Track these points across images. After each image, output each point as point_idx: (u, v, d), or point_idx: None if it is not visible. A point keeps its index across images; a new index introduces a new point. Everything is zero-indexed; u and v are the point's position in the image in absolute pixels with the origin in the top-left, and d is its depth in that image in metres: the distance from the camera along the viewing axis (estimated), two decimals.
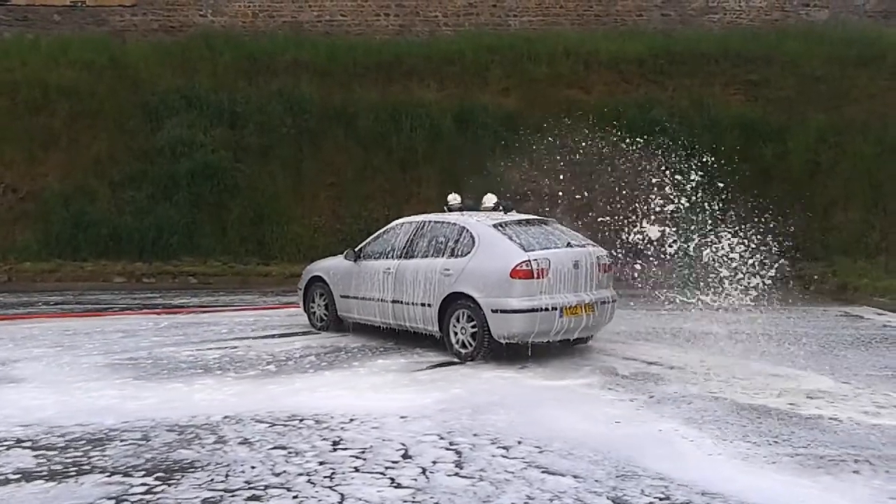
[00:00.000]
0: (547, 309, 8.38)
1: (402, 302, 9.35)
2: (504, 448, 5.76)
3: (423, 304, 9.08)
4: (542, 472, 5.26)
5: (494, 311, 8.39)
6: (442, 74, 20.15)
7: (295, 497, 4.83)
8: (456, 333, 8.80)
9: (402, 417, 6.55)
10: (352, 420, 6.54)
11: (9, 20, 21.91)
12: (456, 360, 8.73)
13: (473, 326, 8.61)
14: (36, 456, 5.59)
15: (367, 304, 9.86)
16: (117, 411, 6.72)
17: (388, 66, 20.19)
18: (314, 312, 10.83)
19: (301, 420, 6.54)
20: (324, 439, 6.04)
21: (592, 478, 5.16)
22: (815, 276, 16.15)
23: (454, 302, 8.77)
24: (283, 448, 5.81)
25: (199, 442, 5.96)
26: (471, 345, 8.66)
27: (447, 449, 5.76)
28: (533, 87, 19.84)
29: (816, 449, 5.86)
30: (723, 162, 18.14)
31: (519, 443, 5.88)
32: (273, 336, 10.38)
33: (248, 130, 18.88)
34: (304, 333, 10.58)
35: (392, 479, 5.13)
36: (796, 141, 18.63)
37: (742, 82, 20.28)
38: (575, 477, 5.16)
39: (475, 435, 6.07)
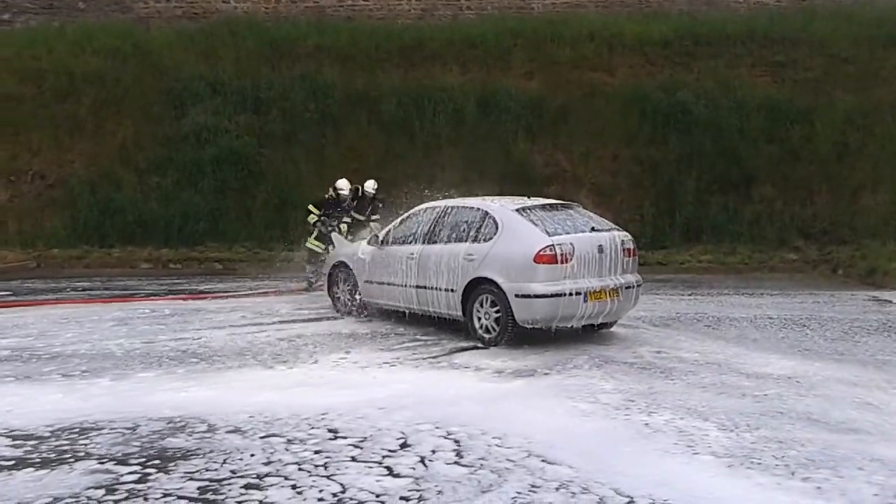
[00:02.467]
0: (571, 294, 8.31)
1: (425, 287, 9.32)
2: (498, 438, 5.48)
3: (446, 290, 9.05)
4: (542, 461, 5.05)
5: (518, 296, 8.34)
6: (465, 58, 20.10)
7: None
8: (479, 318, 8.77)
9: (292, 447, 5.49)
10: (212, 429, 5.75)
11: (34, 8, 22.12)
12: (480, 344, 8.71)
13: (497, 311, 8.57)
14: None
15: (391, 289, 9.85)
16: None
17: (410, 51, 20.16)
18: (338, 297, 10.86)
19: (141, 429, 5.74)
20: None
21: (586, 468, 4.92)
22: (844, 260, 15.93)
23: (477, 287, 8.73)
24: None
25: None
26: (494, 330, 8.63)
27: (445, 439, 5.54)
28: (556, 71, 19.74)
29: (816, 444, 5.42)
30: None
31: (506, 434, 5.56)
32: (280, 322, 10.16)
33: (272, 116, 18.98)
34: (316, 320, 10.42)
35: (389, 469, 4.94)
36: (824, 122, 18.40)
37: (769, 64, 20.04)
38: (570, 467, 4.95)
39: (463, 426, 5.79)
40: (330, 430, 5.69)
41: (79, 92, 19.19)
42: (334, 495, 4.53)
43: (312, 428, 5.75)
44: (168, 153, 18.35)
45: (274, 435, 5.59)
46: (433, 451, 5.25)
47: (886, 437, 5.63)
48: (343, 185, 13.29)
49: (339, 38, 20.33)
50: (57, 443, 5.44)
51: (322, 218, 13.00)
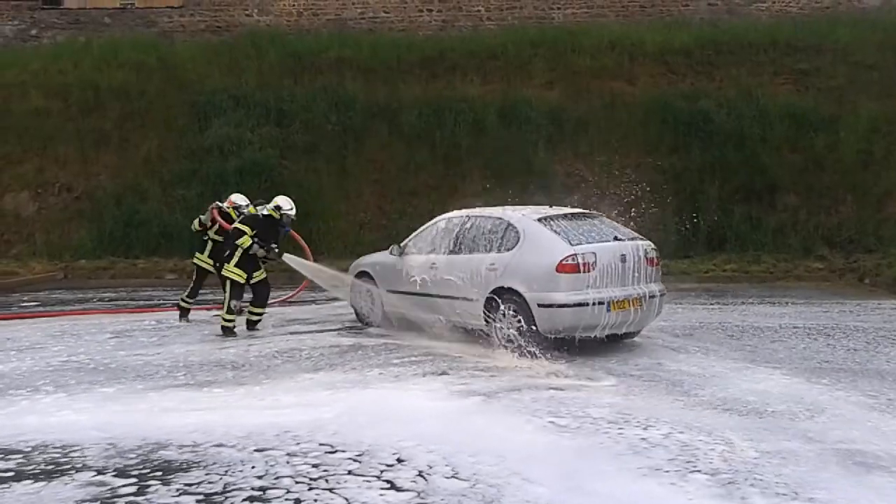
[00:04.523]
0: (594, 303, 8.28)
1: (447, 297, 9.32)
2: (475, 455, 5.27)
3: (468, 299, 9.06)
4: (523, 479, 4.86)
5: (540, 306, 8.32)
6: (485, 69, 20.15)
7: None
8: (501, 328, 8.75)
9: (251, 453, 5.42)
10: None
11: (61, 24, 22.46)
12: (490, 356, 8.52)
13: (519, 321, 8.56)
14: None
15: (413, 298, 9.86)
16: None
17: (431, 62, 20.24)
18: (360, 307, 10.90)
19: None
20: None
21: (558, 487, 4.74)
22: (870, 269, 15.74)
23: (500, 296, 8.71)
24: None
25: None
26: (516, 339, 8.61)
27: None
28: (577, 80, 19.74)
29: (811, 464, 5.17)
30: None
31: (485, 451, 5.36)
32: (288, 334, 10.09)
33: (294, 128, 19.12)
34: (329, 331, 10.33)
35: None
36: (848, 131, 18.23)
37: (792, 72, 19.92)
38: (542, 485, 4.75)
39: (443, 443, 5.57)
40: (257, 450, 5.48)
41: (104, 106, 19.46)
42: None
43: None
44: (192, 165, 18.53)
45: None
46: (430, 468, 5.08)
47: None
48: (287, 203, 10.66)
49: (361, 51, 20.46)
50: None
51: (255, 240, 10.29)
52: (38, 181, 18.67)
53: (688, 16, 22.06)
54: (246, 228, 10.26)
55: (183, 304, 11.33)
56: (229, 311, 10.16)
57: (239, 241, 10.20)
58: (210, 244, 11.22)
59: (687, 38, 20.41)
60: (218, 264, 10.85)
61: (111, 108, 19.42)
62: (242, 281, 10.32)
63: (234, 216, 10.98)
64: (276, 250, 10.58)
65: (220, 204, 11.32)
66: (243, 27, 22.12)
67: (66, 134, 18.99)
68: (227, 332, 10.11)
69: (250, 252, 10.26)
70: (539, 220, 8.94)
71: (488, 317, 8.85)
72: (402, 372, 7.91)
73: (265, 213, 10.52)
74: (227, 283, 10.29)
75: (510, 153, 18.45)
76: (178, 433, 5.84)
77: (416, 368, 8.05)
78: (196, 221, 11.36)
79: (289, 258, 11.07)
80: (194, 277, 11.41)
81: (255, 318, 10.61)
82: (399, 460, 5.22)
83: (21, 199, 18.57)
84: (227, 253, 10.38)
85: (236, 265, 10.25)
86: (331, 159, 18.70)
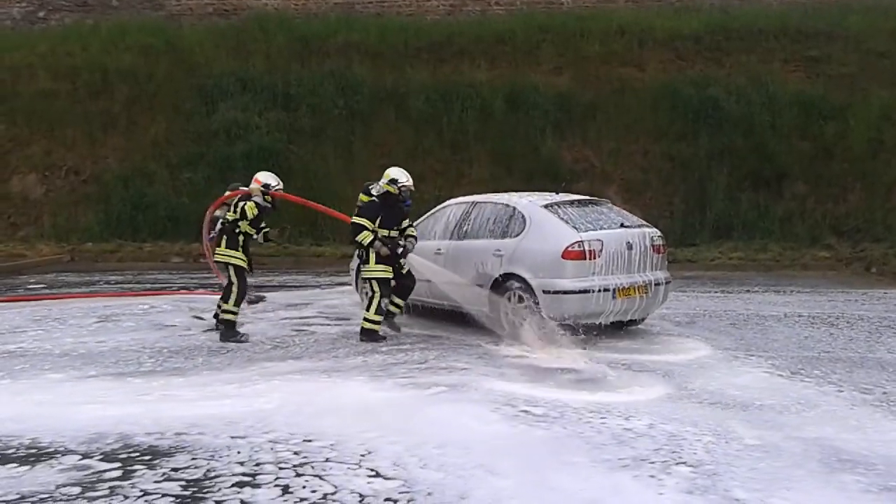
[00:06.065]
0: (599, 290, 8.28)
1: (452, 282, 9.33)
2: (440, 448, 5.13)
3: (473, 285, 9.05)
4: (486, 471, 4.74)
5: (546, 292, 8.32)
6: (493, 54, 20.06)
7: None
8: (507, 314, 8.77)
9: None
10: None
11: (69, 6, 22.45)
12: (484, 350, 8.41)
13: (525, 307, 8.55)
14: None
15: (419, 284, 9.84)
16: None
17: (439, 47, 20.17)
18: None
19: None
20: None
21: (524, 480, 4.61)
22: (877, 258, 15.68)
23: (505, 282, 8.73)
24: None
25: None
26: (520, 326, 8.60)
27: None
28: (585, 66, 19.63)
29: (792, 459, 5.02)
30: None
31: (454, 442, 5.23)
32: (280, 320, 9.96)
33: (301, 112, 19.09)
34: (324, 317, 10.20)
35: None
36: (858, 119, 18.11)
37: (802, 59, 19.77)
38: (507, 478, 4.64)
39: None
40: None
41: (112, 88, 19.47)
42: None
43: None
44: (199, 149, 18.54)
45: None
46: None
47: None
48: (403, 174, 8.99)
49: (369, 35, 20.39)
50: None
51: (379, 238, 8.82)
52: (46, 163, 18.72)
53: (698, 1, 21.88)
54: (366, 222, 8.77)
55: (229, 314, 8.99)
56: (377, 312, 8.79)
57: (360, 238, 8.77)
58: (242, 238, 9.02)
59: (697, 24, 20.27)
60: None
61: (119, 91, 19.44)
62: (391, 277, 9.00)
63: (264, 200, 9.09)
64: (409, 246, 9.06)
65: (259, 186, 9.16)
66: (251, 10, 22.05)
67: (73, 116, 19.02)
68: (371, 335, 8.72)
69: (372, 248, 8.77)
70: (546, 206, 8.92)
71: (493, 303, 8.85)
72: (384, 360, 7.75)
73: (380, 191, 8.95)
74: (372, 282, 8.86)
75: (517, 139, 18.42)
76: (105, 425, 5.60)
77: (402, 356, 7.90)
78: (253, 206, 8.89)
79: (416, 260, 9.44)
80: (237, 281, 8.91)
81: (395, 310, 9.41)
82: (368, 451, 5.07)
83: (28, 181, 18.63)
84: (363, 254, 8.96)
85: (376, 262, 8.85)
86: (338, 144, 18.69)
